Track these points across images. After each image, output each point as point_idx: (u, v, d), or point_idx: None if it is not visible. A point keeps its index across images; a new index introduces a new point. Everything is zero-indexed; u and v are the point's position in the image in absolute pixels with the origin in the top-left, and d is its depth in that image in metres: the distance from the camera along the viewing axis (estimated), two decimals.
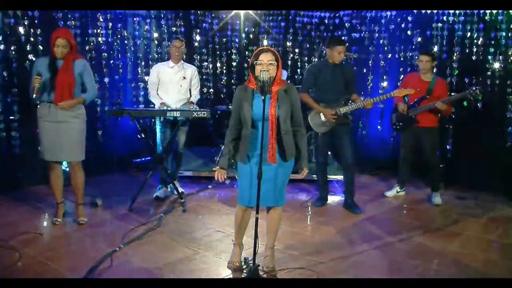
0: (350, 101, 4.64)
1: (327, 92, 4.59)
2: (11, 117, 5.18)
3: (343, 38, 6.45)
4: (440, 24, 6.06)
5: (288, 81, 6.46)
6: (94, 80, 4.16)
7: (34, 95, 3.77)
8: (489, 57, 5.71)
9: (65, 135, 3.93)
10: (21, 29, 5.16)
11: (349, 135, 4.72)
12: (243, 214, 3.24)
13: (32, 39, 5.23)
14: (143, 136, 5.14)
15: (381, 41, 6.58)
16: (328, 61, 4.63)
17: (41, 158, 4.05)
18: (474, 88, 4.81)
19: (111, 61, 6.07)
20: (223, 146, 3.28)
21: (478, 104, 5.63)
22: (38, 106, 3.96)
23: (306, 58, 7.16)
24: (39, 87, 3.77)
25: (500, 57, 5.63)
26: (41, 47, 5.25)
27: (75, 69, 3.92)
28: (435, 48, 6.06)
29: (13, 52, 5.12)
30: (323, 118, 4.60)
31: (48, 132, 3.92)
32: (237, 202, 3.23)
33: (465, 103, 5.62)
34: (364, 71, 6.62)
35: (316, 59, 6.78)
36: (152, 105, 4.96)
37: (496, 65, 5.65)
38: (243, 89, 3.11)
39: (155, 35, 6.51)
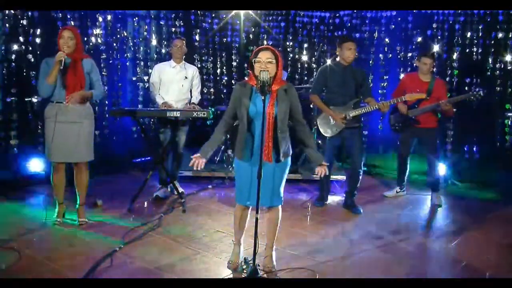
0: (361, 105, 4.60)
1: (337, 95, 4.55)
2: (10, 117, 5.19)
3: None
4: (440, 24, 6.07)
5: (288, 82, 6.53)
6: (101, 80, 4.12)
7: (62, 67, 3.72)
8: (489, 57, 5.72)
9: (76, 135, 3.90)
10: (21, 29, 5.16)
11: (359, 139, 4.68)
12: (242, 213, 3.24)
13: (32, 39, 5.23)
14: (144, 135, 5.13)
15: (381, 41, 6.58)
16: (339, 62, 4.59)
17: (48, 160, 3.99)
18: (477, 89, 4.82)
19: (110, 61, 6.07)
20: (212, 138, 3.19)
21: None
22: (46, 107, 3.92)
23: (306, 58, 7.16)
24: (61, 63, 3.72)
25: (500, 57, 5.64)
26: (40, 47, 5.26)
27: (84, 68, 3.91)
28: (435, 48, 6.07)
29: (13, 52, 5.13)
30: (332, 121, 4.58)
31: (58, 132, 3.83)
32: (235, 200, 3.23)
33: None
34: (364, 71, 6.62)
35: (316, 59, 6.79)
36: (155, 105, 4.93)
37: (496, 65, 5.66)
38: (242, 86, 3.10)
39: (155, 35, 6.51)
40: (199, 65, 6.98)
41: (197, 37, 7.05)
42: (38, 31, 5.26)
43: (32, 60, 5.24)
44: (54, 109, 3.86)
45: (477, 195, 5.41)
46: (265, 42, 7.11)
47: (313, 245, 3.78)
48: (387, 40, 6.52)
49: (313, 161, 3.19)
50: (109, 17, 5.95)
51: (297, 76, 7.09)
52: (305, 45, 7.14)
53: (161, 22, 6.54)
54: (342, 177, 5.58)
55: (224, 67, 7.34)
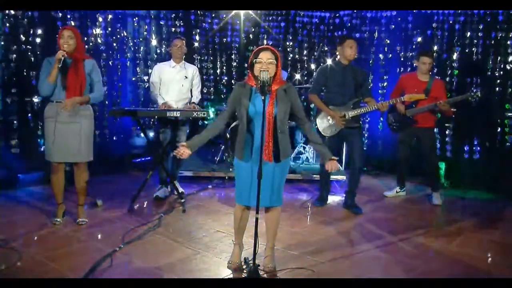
0: (360, 105, 4.60)
1: (337, 95, 4.55)
2: (11, 117, 5.19)
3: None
4: (440, 24, 6.07)
5: (288, 81, 6.53)
6: (102, 81, 4.10)
7: (60, 65, 3.71)
8: (489, 57, 5.72)
9: (75, 135, 3.89)
10: (21, 29, 5.16)
11: (359, 139, 4.67)
12: (242, 214, 3.23)
13: (32, 39, 5.23)
14: (144, 135, 5.14)
15: (381, 41, 6.59)
16: (340, 62, 4.59)
17: (47, 160, 3.96)
18: (475, 90, 4.83)
19: (110, 61, 6.07)
20: (204, 132, 3.18)
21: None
22: (46, 106, 3.92)
23: (306, 58, 7.16)
24: (60, 59, 3.70)
25: (500, 57, 5.64)
26: (40, 47, 5.26)
27: (85, 68, 3.90)
28: (435, 48, 6.07)
29: (13, 52, 5.12)
30: (331, 121, 4.58)
31: (57, 132, 3.83)
32: (235, 201, 3.22)
33: None
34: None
35: (316, 59, 6.79)
36: (155, 105, 4.94)
37: (496, 65, 5.65)
38: (241, 86, 3.11)
39: (155, 35, 6.51)
40: (199, 65, 6.98)
41: (197, 37, 7.06)
42: (38, 31, 5.26)
43: (32, 60, 5.24)
44: (54, 109, 3.86)
45: (477, 195, 5.42)
46: (265, 42, 7.12)
47: (313, 245, 3.78)
48: (387, 40, 6.52)
49: (322, 157, 3.18)
50: (109, 17, 5.96)
51: (297, 76, 7.08)
52: (305, 45, 7.15)
53: (161, 22, 6.55)
54: (342, 177, 5.58)
55: (224, 67, 7.35)
